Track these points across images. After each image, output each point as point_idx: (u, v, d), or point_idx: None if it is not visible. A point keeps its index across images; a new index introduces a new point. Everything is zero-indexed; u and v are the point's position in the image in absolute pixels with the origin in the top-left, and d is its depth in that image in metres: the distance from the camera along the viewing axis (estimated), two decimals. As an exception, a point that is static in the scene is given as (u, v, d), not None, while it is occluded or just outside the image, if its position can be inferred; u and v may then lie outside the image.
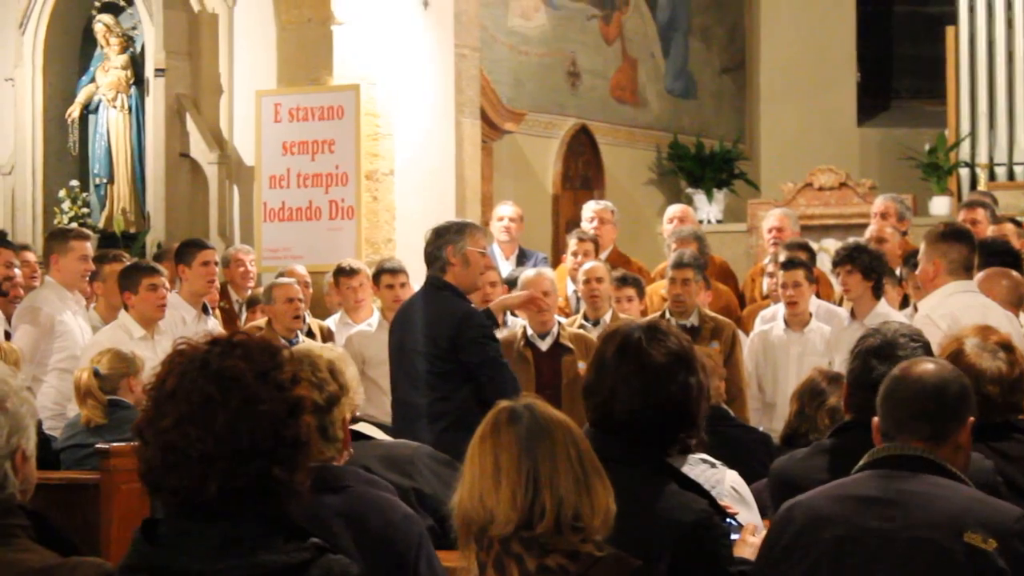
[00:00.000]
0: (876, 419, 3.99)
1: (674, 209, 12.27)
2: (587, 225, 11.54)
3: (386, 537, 4.02)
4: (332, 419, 4.20)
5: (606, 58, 17.62)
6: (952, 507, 3.68)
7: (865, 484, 3.82)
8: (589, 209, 11.86)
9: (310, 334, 9.78)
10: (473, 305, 7.98)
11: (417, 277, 10.66)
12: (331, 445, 4.14)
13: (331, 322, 10.41)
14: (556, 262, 12.48)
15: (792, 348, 9.59)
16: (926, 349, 5.20)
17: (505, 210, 11.80)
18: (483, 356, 7.64)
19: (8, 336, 9.21)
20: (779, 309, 9.80)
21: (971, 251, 7.42)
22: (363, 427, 4.91)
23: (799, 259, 9.83)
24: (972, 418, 3.95)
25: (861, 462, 3.95)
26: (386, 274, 10.08)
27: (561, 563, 3.24)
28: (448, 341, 7.62)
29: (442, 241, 7.84)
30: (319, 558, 3.05)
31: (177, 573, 3.03)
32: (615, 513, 3.39)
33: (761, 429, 8.22)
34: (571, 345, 9.21)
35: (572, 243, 11.02)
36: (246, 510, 3.04)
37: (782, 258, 10.02)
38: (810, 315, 9.62)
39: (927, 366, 3.97)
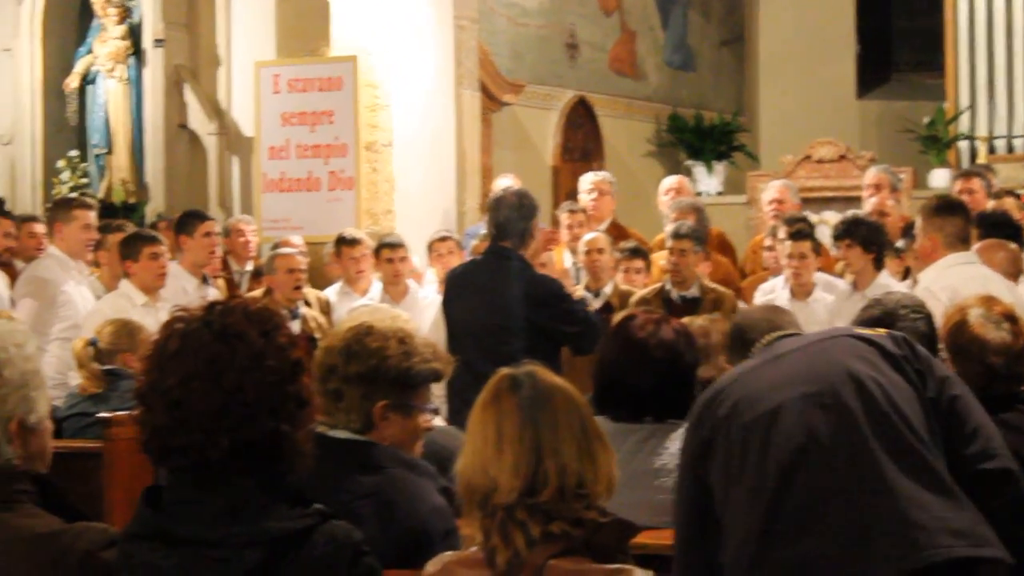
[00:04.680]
0: None
1: (670, 180, 12.16)
2: (585, 197, 11.43)
3: (411, 527, 3.98)
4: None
5: (605, 30, 17.59)
6: None
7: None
8: (587, 181, 11.73)
9: (307, 304, 9.78)
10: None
11: (416, 248, 10.68)
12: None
13: (330, 292, 10.40)
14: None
15: (796, 317, 9.55)
16: (927, 320, 5.20)
17: (507, 183, 11.73)
18: (579, 318, 7.75)
19: (13, 304, 9.22)
20: (778, 282, 9.77)
21: (966, 222, 7.41)
22: None
23: (806, 231, 9.78)
24: None
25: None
26: (386, 248, 10.12)
27: (565, 529, 3.24)
28: (547, 317, 7.60)
29: (526, 212, 7.77)
30: (322, 524, 3.06)
31: (182, 539, 3.03)
32: (617, 480, 3.40)
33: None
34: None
35: (564, 217, 10.93)
36: (252, 474, 3.05)
37: (781, 234, 9.98)
38: (814, 285, 9.59)
39: None
